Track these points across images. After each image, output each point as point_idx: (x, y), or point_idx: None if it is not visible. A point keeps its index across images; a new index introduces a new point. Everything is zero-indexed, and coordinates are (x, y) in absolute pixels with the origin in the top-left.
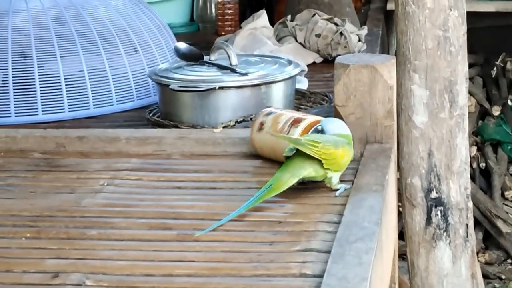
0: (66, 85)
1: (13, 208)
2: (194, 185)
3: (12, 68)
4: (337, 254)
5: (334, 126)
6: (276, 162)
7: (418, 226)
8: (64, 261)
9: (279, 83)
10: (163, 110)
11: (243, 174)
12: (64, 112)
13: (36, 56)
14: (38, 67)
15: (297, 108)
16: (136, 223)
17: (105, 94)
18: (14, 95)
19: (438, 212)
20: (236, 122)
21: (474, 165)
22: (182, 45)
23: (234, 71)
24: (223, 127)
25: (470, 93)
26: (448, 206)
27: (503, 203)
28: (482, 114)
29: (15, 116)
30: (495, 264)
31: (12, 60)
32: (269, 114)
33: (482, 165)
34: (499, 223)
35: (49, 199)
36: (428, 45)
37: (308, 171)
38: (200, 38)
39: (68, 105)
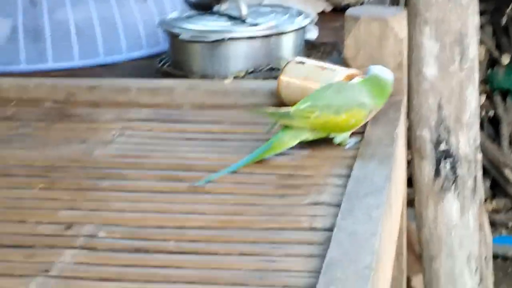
0: (76, 33)
1: (26, 158)
2: (205, 137)
3: (22, 16)
4: (346, 209)
5: (379, 70)
6: None
7: (427, 178)
8: (77, 212)
9: (289, 34)
10: (174, 59)
11: (254, 125)
12: (74, 60)
13: (46, 3)
14: (48, 15)
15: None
16: (148, 175)
17: (115, 43)
18: (25, 43)
19: (447, 164)
20: (247, 72)
21: (483, 114)
22: None
23: (244, 21)
24: (234, 77)
25: (480, 41)
26: (457, 158)
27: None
28: (492, 62)
29: (26, 64)
30: (502, 212)
31: (22, 8)
32: (302, 62)
33: (491, 113)
34: (507, 172)
35: (61, 150)
36: None
37: (309, 134)
38: None
39: (79, 53)
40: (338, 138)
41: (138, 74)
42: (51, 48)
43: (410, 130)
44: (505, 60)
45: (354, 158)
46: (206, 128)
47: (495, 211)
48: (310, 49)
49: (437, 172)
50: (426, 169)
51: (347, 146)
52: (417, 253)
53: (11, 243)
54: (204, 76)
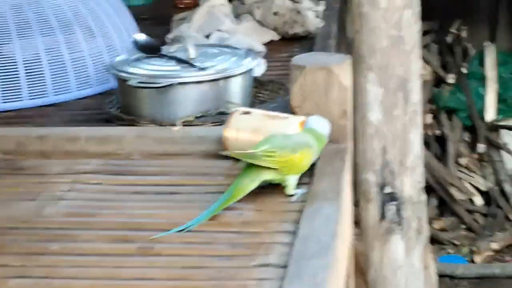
0: (25, 72)
1: None
2: (154, 190)
3: None
4: (292, 273)
5: (316, 122)
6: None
7: (372, 220)
8: (27, 281)
9: (238, 77)
10: (123, 103)
11: (202, 176)
12: (23, 100)
13: None
14: None
15: (255, 98)
16: (97, 236)
17: (63, 81)
18: None
19: (392, 207)
20: (196, 117)
21: (430, 133)
22: (141, 37)
23: (192, 65)
24: (183, 122)
25: (425, 60)
26: (402, 201)
27: (458, 169)
28: (437, 81)
29: None
30: (449, 231)
31: None
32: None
33: (437, 132)
34: (453, 191)
35: (12, 208)
36: (383, 44)
37: (267, 176)
38: (156, 11)
39: (28, 93)
40: (290, 181)
41: (87, 116)
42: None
43: (355, 173)
44: (450, 79)
45: (301, 212)
46: (155, 180)
47: (442, 229)
48: (258, 87)
49: (382, 215)
50: (371, 212)
51: (293, 198)
52: (365, 276)
53: None
54: (153, 121)
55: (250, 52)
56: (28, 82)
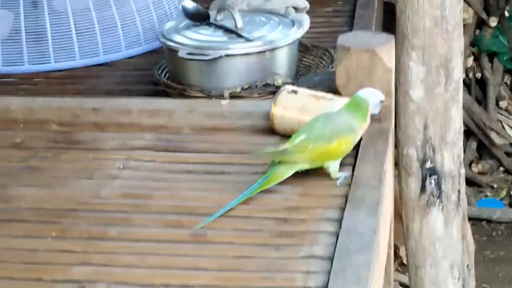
0: (76, 32)
1: (37, 199)
2: (204, 169)
3: (25, 17)
4: (337, 269)
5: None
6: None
7: (413, 193)
8: (89, 268)
9: (284, 47)
10: (171, 70)
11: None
12: (75, 59)
13: (47, 4)
14: (49, 15)
15: (300, 62)
16: (152, 220)
17: (113, 40)
18: (27, 44)
19: (432, 181)
20: (242, 89)
21: (470, 75)
22: (189, 4)
23: (239, 35)
24: (230, 94)
25: (468, 3)
26: (442, 175)
27: (498, 112)
28: (479, 24)
29: (28, 64)
30: (488, 174)
31: (24, 9)
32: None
33: (478, 75)
34: (493, 135)
35: (70, 188)
36: (426, 24)
37: (304, 165)
38: None
39: (79, 53)
40: (331, 167)
41: (137, 77)
42: (52, 48)
43: (397, 148)
44: (492, 22)
45: (345, 197)
46: (205, 158)
47: (481, 173)
48: (303, 51)
49: (423, 188)
50: (412, 185)
51: (338, 182)
52: (403, 221)
53: None
54: (201, 91)
55: (296, 20)
56: (79, 41)
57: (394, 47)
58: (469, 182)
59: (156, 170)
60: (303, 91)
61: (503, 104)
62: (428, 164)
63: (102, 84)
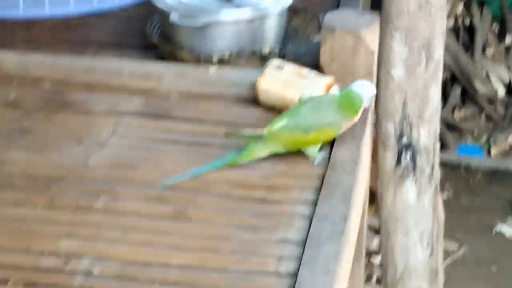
0: None
1: (28, 166)
2: (188, 140)
3: None
4: (308, 258)
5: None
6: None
7: (388, 166)
8: (75, 242)
9: (273, 16)
10: (163, 31)
11: (234, 126)
12: (69, 6)
13: None
14: None
15: (288, 25)
16: (137, 194)
17: None
18: None
19: (408, 155)
20: (230, 54)
21: (459, 22)
22: None
23: (230, 1)
24: (218, 59)
25: None
26: (417, 150)
27: (484, 59)
28: None
29: (23, 10)
30: (470, 120)
31: None
32: (280, 67)
33: (467, 22)
34: (477, 84)
35: (60, 153)
36: (410, 7)
37: (280, 149)
38: None
39: (74, 0)
40: (309, 151)
41: (130, 30)
42: None
43: (376, 122)
44: None
45: (322, 178)
46: (191, 128)
47: (463, 119)
48: (292, 14)
49: (398, 162)
50: (388, 158)
51: (315, 163)
52: (378, 164)
53: (17, 280)
54: (191, 53)
55: None
56: None
57: (378, 29)
58: (451, 127)
59: (143, 138)
60: (288, 67)
61: (489, 51)
62: (405, 140)
63: (95, 35)
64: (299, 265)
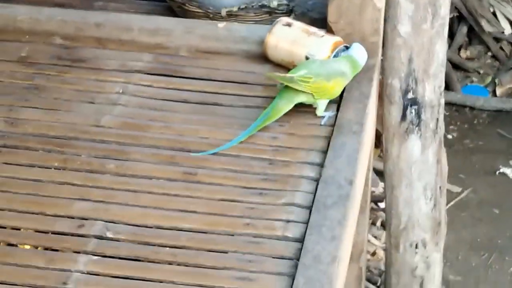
0: None
1: (42, 125)
2: (199, 98)
3: None
4: (313, 224)
5: (356, 51)
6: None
7: (394, 120)
8: (88, 204)
9: None
10: None
11: (243, 85)
12: None
13: None
14: None
15: None
16: (148, 155)
17: None
18: None
19: (413, 110)
20: (239, 8)
21: None
22: None
23: None
24: (227, 12)
25: None
26: (422, 105)
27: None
28: None
29: None
30: (475, 59)
31: None
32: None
33: None
34: (483, 23)
35: (72, 113)
36: None
37: (301, 98)
38: None
39: None
40: (320, 105)
41: None
42: None
43: (382, 77)
44: None
45: (328, 139)
46: (200, 86)
47: (469, 59)
48: None
49: (403, 117)
50: (394, 113)
51: (322, 122)
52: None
53: (34, 244)
54: (200, 7)
55: None
56: None
57: None
58: (457, 67)
59: (153, 96)
60: (296, 24)
61: None
62: (410, 95)
63: None
64: (306, 229)
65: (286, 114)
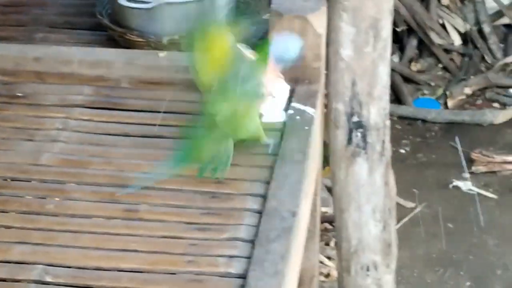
0: None
1: None
2: (141, 131)
3: None
4: (257, 259)
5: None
6: None
7: (340, 144)
8: (27, 248)
9: None
10: (113, 11)
11: (186, 115)
12: None
13: None
14: None
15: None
16: (88, 192)
17: None
18: None
19: (358, 133)
20: (181, 36)
21: None
22: None
23: None
24: (168, 41)
25: None
26: (367, 128)
27: (439, 9)
28: None
29: None
30: (426, 72)
31: None
32: None
33: None
34: (433, 35)
35: (11, 152)
36: None
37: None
38: None
39: None
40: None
41: (80, 8)
42: None
43: (328, 102)
44: None
45: (271, 169)
46: (142, 118)
47: (420, 71)
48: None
49: (349, 140)
50: (339, 137)
51: (269, 150)
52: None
53: None
54: (141, 36)
55: None
56: None
57: (325, 12)
58: (408, 80)
59: (94, 131)
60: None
61: (445, 1)
62: (355, 118)
63: (46, 14)
64: (249, 265)
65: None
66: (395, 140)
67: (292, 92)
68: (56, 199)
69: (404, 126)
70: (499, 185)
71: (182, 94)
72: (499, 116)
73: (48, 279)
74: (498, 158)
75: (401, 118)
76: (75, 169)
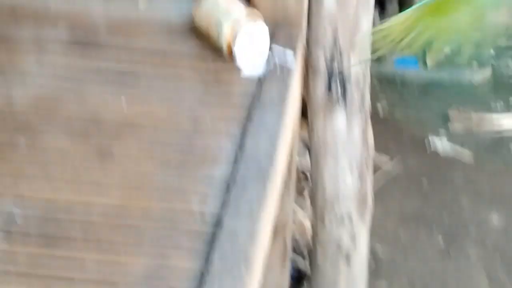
0: None
1: None
2: (116, 68)
3: None
4: (232, 199)
5: None
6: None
7: (319, 92)
8: None
9: None
10: None
11: (163, 56)
12: None
13: None
14: None
15: None
16: (61, 130)
17: None
18: None
19: (337, 80)
20: None
21: None
22: None
23: None
24: None
25: None
26: (347, 77)
27: None
28: None
29: None
30: None
31: None
32: None
33: None
34: None
35: None
36: None
37: None
38: None
39: None
40: None
41: None
42: None
43: (308, 48)
44: None
45: (249, 110)
46: (118, 55)
47: None
48: None
49: (328, 89)
50: (319, 84)
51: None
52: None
53: None
54: None
55: None
56: None
57: None
58: None
59: (69, 67)
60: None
61: None
62: (335, 65)
63: None
64: (223, 206)
65: (205, 82)
66: (373, 97)
67: (272, 35)
68: (28, 134)
69: (382, 85)
70: (476, 145)
71: (162, 35)
72: (478, 76)
73: (17, 212)
74: (476, 116)
75: (380, 77)
76: (47, 105)
